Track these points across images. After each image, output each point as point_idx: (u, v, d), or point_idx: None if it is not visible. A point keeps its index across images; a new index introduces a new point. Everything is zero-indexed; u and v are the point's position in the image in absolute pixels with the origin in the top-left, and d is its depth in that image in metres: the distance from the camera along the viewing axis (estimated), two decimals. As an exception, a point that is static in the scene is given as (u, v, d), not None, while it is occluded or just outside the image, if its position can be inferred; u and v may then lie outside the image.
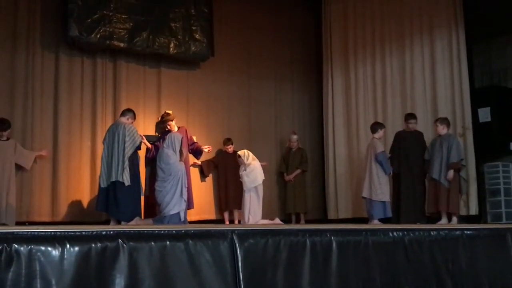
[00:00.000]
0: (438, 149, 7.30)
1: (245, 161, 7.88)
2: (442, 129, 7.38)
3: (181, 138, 7.12)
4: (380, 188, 7.54)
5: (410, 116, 7.87)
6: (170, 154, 6.97)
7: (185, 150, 7.44)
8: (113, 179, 6.94)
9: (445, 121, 7.46)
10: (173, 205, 6.82)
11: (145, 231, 3.04)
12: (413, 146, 7.65)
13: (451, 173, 7.14)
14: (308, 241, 3.50)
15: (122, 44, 8.00)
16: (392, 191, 7.71)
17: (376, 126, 7.89)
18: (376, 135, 7.79)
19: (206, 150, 8.21)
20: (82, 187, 7.80)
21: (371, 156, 7.65)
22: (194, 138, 8.23)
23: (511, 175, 8.06)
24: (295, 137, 9.23)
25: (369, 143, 7.92)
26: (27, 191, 7.41)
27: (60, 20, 7.83)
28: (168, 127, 8.01)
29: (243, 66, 9.45)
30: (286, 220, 8.85)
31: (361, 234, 3.82)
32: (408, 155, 7.65)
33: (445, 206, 7.15)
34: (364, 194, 7.69)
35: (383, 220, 7.53)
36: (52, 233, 2.74)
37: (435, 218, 7.38)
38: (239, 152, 8.03)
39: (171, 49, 8.41)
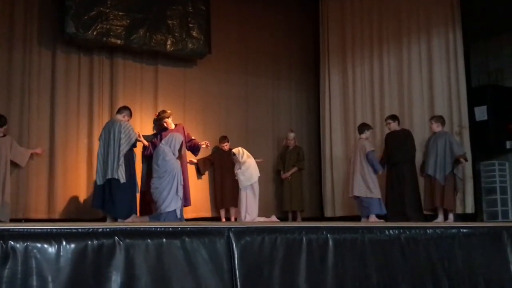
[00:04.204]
0: (433, 146, 7.32)
1: (240, 159, 7.87)
2: (437, 127, 7.43)
3: (181, 141, 7.18)
4: (374, 186, 7.68)
5: (386, 118, 8.03)
6: (167, 151, 6.99)
7: (182, 151, 7.47)
8: (109, 176, 6.95)
9: (440, 119, 7.50)
10: (169, 202, 6.83)
11: (142, 228, 3.04)
12: (393, 147, 7.72)
13: (460, 162, 7.14)
14: (304, 238, 3.51)
15: (119, 41, 7.98)
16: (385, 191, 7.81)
17: (363, 127, 8.01)
18: (363, 136, 7.93)
19: (203, 145, 8.21)
20: (79, 184, 7.78)
21: (360, 156, 7.76)
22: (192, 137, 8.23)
23: (507, 173, 8.09)
24: (292, 135, 9.23)
25: (356, 144, 8.05)
26: (24, 188, 7.39)
27: (57, 17, 7.81)
28: (165, 124, 8.01)
29: (241, 64, 9.44)
30: (283, 218, 8.85)
31: (357, 232, 3.82)
32: (390, 156, 7.78)
33: (440, 201, 7.19)
34: (357, 193, 7.73)
35: (379, 217, 7.58)
36: (49, 230, 2.75)
37: (432, 216, 7.40)
38: (233, 150, 8.02)
39: (168, 46, 8.40)
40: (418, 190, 7.67)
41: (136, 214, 7.21)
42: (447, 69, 8.14)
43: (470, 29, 8.09)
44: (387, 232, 3.97)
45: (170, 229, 3.09)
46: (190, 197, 7.86)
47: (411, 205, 7.53)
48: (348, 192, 8.08)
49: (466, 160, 7.32)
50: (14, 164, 7.18)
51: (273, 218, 8.29)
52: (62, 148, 7.74)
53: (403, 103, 8.58)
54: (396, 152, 7.68)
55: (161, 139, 7.55)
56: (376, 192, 7.65)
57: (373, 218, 7.57)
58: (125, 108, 7.43)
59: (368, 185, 7.65)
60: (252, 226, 3.45)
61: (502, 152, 8.19)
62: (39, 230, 2.72)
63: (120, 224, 4.09)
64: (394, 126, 7.89)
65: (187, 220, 7.55)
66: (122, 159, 6.96)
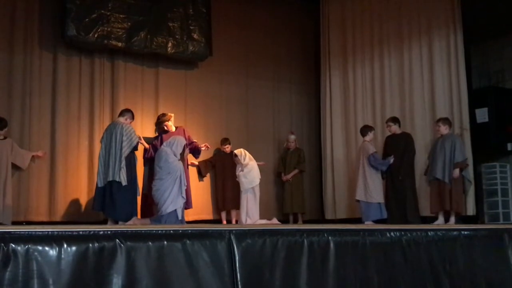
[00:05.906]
0: (440, 149, 7.31)
1: (242, 160, 7.86)
2: (445, 129, 7.41)
3: (184, 144, 7.17)
4: (374, 190, 7.64)
5: (387, 120, 8.03)
6: (169, 153, 6.99)
7: (184, 154, 7.48)
8: (110, 178, 6.95)
9: (447, 121, 7.50)
10: (170, 203, 6.81)
11: (143, 231, 3.04)
12: (392, 150, 7.74)
13: (456, 172, 7.17)
14: (305, 241, 3.50)
15: (120, 44, 7.99)
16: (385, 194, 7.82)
17: (366, 129, 7.98)
18: (367, 138, 7.89)
19: (203, 148, 8.21)
20: (80, 187, 7.78)
21: (363, 160, 7.75)
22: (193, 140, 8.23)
23: (508, 175, 8.08)
24: (293, 137, 9.23)
25: (360, 146, 8.04)
26: (25, 190, 7.39)
27: (58, 20, 7.82)
28: (165, 127, 8.01)
29: (241, 66, 9.45)
30: (284, 220, 8.84)
31: (358, 234, 3.82)
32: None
33: (450, 206, 7.17)
34: (358, 197, 7.75)
35: (378, 221, 7.56)
36: (50, 232, 2.74)
37: (432, 219, 7.39)
38: (235, 151, 8.01)
39: (169, 48, 8.41)
40: (416, 193, 7.68)
41: (137, 216, 7.21)
42: (448, 71, 8.13)
43: (471, 31, 8.08)
44: (388, 235, 3.97)
45: (171, 231, 3.09)
46: (192, 199, 7.86)
47: (410, 208, 7.52)
48: (350, 194, 8.08)
49: (466, 165, 7.31)
50: (15, 167, 7.20)
51: (274, 220, 8.28)
52: (63, 150, 7.75)
53: (404, 105, 8.57)
54: (396, 155, 7.67)
55: (161, 142, 7.55)
56: (376, 197, 7.62)
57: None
58: (128, 111, 7.43)
59: (369, 189, 7.62)
60: (253, 229, 3.44)
61: (503, 154, 8.19)
62: (40, 233, 2.72)
63: (121, 227, 4.09)
64: (394, 128, 7.89)
65: (188, 222, 7.55)
66: (123, 162, 6.97)
